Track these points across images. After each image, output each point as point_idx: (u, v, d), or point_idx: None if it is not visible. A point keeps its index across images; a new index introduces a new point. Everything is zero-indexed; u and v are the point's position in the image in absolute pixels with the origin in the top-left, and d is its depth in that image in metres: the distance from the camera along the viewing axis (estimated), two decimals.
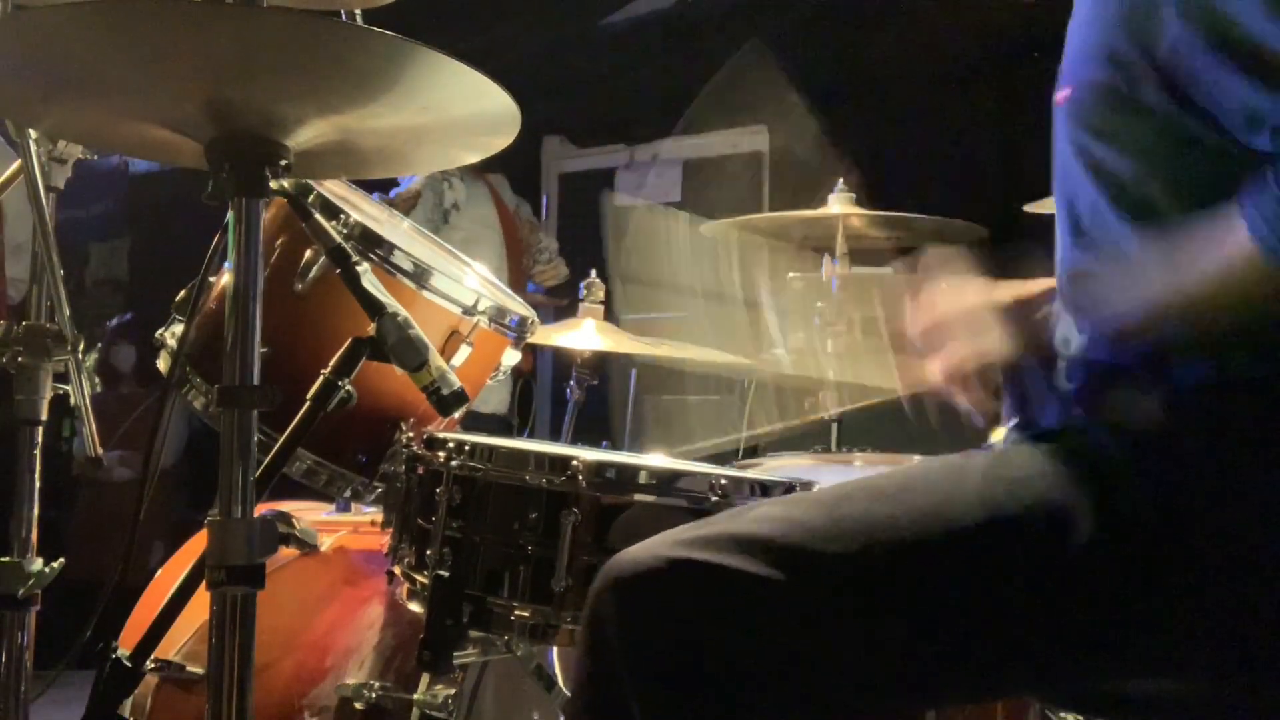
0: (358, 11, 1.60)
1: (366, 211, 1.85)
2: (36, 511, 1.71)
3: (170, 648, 1.83)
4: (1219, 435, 1.05)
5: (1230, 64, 1.03)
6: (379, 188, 3.84)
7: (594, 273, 2.66)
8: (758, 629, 1.01)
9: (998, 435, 1.31)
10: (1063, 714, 1.72)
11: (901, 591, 1.03)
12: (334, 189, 1.78)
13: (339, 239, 1.48)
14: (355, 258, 1.46)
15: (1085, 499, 1.05)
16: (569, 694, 1.11)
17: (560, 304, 4.71)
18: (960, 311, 1.29)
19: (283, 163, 1.26)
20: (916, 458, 2.08)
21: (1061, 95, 1.24)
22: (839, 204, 2.54)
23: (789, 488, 1.50)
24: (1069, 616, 1.04)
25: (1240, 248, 1.01)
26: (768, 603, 1.01)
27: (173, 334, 1.79)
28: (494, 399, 4.14)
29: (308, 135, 1.26)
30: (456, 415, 1.68)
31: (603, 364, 2.69)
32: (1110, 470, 1.07)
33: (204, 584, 1.23)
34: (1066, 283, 1.22)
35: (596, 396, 2.79)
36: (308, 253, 1.66)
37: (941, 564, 1.04)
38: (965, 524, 1.04)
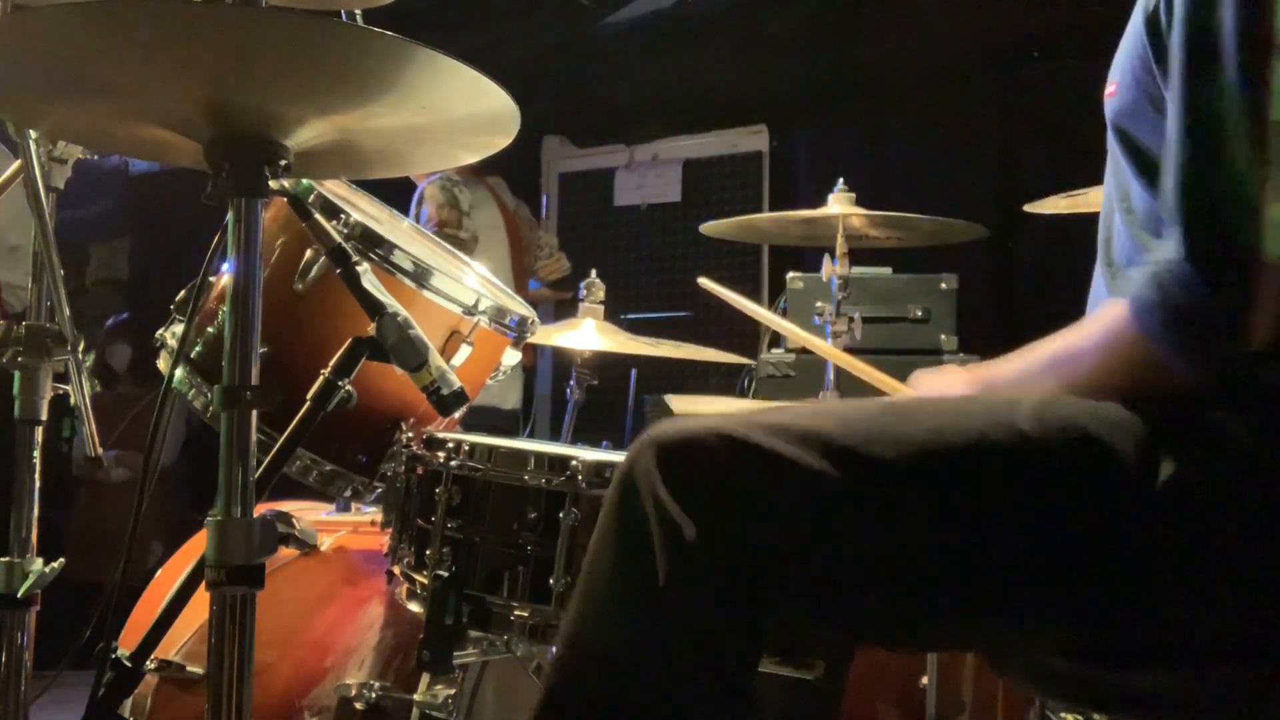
0: (358, 11, 1.59)
1: (366, 211, 1.85)
2: (36, 511, 1.71)
3: (170, 648, 1.83)
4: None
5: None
6: (378, 188, 3.83)
7: (594, 273, 2.66)
8: (796, 518, 1.00)
9: None
10: (1063, 714, 1.72)
11: (942, 505, 1.03)
12: (334, 189, 1.78)
13: (339, 239, 1.48)
14: (355, 258, 1.46)
15: (1130, 449, 1.04)
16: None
17: (564, 296, 4.72)
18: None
19: (283, 163, 1.25)
20: None
21: (1109, 90, 1.23)
22: (839, 204, 2.53)
23: None
24: (1091, 563, 1.03)
25: (1118, 319, 1.04)
26: (812, 495, 1.00)
27: (173, 334, 1.79)
28: (511, 396, 4.17)
29: (308, 135, 1.26)
30: (457, 415, 1.67)
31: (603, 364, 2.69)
32: (1149, 433, 1.05)
33: (204, 584, 1.23)
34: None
35: (596, 396, 2.79)
36: (308, 253, 1.66)
37: (983, 485, 1.04)
38: (1010, 448, 1.04)
